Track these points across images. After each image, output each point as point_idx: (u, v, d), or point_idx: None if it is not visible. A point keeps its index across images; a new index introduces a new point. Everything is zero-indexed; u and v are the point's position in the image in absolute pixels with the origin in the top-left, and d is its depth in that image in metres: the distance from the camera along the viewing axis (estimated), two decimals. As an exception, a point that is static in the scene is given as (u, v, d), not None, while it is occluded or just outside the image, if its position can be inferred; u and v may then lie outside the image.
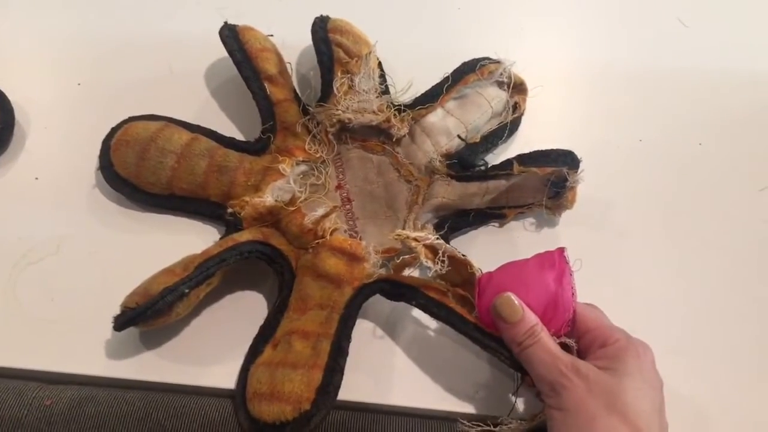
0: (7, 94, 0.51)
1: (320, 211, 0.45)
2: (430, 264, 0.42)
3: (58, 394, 0.42)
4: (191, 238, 0.47)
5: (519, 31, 0.59)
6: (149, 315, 0.39)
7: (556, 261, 0.40)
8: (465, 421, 0.41)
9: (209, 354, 0.43)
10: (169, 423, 0.41)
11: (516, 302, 0.38)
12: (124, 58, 0.55)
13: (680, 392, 0.38)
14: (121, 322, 0.40)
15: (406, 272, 0.44)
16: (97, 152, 0.48)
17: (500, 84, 0.52)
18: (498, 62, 0.51)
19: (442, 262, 0.42)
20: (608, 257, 0.49)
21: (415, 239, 0.42)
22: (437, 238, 0.42)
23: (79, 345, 0.44)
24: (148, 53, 0.55)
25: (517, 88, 0.52)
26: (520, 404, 0.43)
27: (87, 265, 0.46)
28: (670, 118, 0.55)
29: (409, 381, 0.43)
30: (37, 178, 0.50)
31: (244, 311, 0.45)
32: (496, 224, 0.49)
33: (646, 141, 0.54)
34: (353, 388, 0.42)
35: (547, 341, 0.37)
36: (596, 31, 0.60)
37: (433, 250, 0.42)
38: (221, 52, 0.49)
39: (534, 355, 0.37)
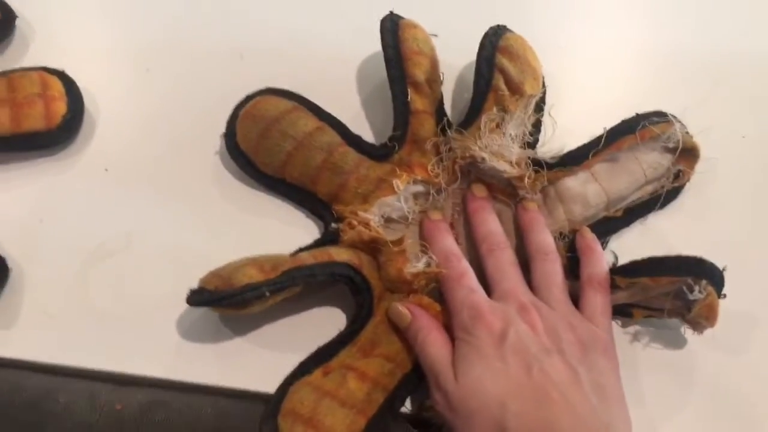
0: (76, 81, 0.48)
1: (422, 266, 0.42)
2: None
3: (129, 398, 0.41)
4: (293, 229, 0.46)
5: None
6: (224, 304, 0.39)
7: None
8: None
9: (282, 364, 0.42)
10: None
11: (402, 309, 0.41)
12: (197, 41, 0.52)
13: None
14: (195, 300, 0.40)
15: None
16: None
17: (665, 149, 0.45)
18: (668, 122, 0.44)
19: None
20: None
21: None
22: None
23: (150, 345, 0.42)
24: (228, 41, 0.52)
25: (686, 153, 0.45)
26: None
27: (158, 260, 0.45)
28: None
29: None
30: (107, 170, 0.48)
31: (316, 325, 0.43)
32: (618, 321, 0.44)
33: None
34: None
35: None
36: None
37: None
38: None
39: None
